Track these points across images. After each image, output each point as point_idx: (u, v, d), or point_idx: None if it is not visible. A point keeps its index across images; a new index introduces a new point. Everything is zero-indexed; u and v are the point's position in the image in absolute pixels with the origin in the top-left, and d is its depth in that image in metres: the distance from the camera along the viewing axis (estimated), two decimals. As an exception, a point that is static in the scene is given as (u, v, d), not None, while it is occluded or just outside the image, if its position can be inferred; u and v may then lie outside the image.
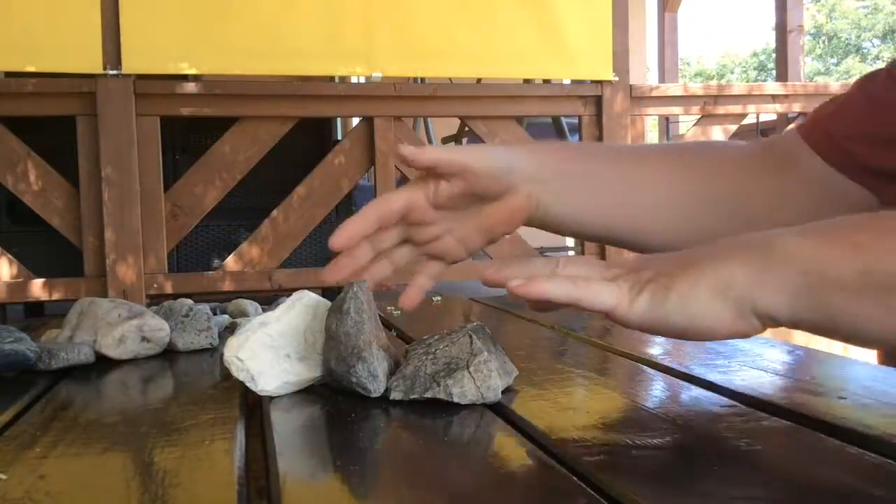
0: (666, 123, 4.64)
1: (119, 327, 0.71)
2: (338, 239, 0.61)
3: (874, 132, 0.70)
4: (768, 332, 0.49)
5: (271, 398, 0.56)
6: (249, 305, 0.93)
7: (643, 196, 0.71)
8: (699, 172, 0.73)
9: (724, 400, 0.53)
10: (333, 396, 0.56)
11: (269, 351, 0.57)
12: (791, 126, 0.79)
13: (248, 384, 0.56)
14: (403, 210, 0.63)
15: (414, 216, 0.65)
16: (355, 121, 2.89)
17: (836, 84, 3.61)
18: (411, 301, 0.67)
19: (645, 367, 0.64)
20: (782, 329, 0.47)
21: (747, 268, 0.45)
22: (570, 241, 4.19)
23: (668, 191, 0.71)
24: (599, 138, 2.87)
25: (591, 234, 0.73)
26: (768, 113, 3.48)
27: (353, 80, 3.54)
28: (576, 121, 2.97)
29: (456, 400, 0.51)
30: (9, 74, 2.60)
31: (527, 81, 3.16)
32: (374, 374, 0.53)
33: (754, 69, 25.23)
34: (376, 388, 0.53)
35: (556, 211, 0.68)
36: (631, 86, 2.90)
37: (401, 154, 0.61)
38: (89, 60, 2.42)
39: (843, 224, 0.45)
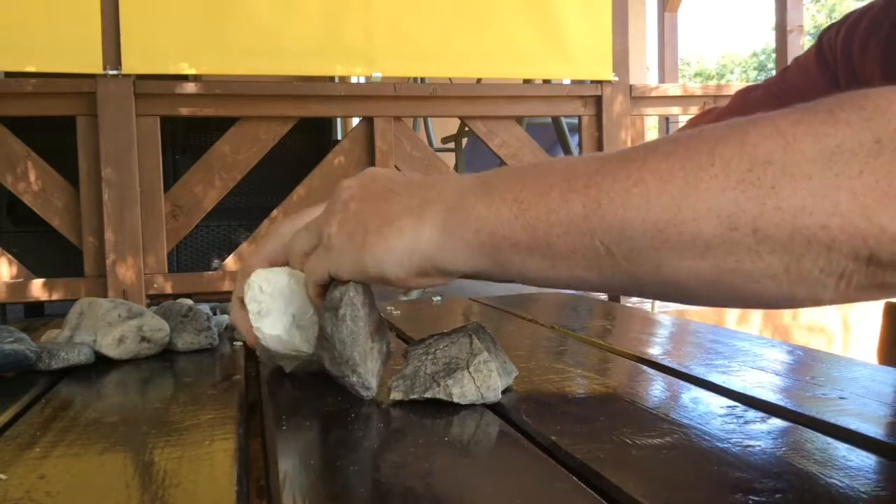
0: (666, 123, 4.64)
1: (119, 327, 0.71)
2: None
3: None
4: (768, 332, 0.49)
5: (270, 400, 0.56)
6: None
7: None
8: None
9: (724, 400, 0.53)
10: (333, 396, 0.56)
11: (282, 300, 0.56)
12: (680, 110, 0.82)
13: (251, 317, 0.56)
14: None
15: None
16: (355, 121, 2.90)
17: (835, 84, 3.60)
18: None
19: (645, 367, 0.64)
20: (782, 329, 0.47)
21: (431, 230, 0.47)
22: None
23: None
24: (599, 138, 2.87)
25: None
26: (768, 113, 3.47)
27: (353, 80, 3.55)
28: (576, 121, 2.97)
29: (456, 400, 0.51)
30: (9, 74, 2.60)
31: (527, 81, 3.17)
32: (367, 385, 0.54)
33: (754, 69, 25.23)
34: (368, 395, 0.54)
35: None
36: (631, 86, 2.90)
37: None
38: (89, 60, 2.42)
39: (512, 177, 0.46)
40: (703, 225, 0.39)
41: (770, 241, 0.37)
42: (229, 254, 2.65)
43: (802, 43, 3.72)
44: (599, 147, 2.88)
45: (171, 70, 2.54)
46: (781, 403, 0.51)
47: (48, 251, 2.65)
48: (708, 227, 0.38)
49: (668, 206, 0.39)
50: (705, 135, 0.40)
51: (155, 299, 2.47)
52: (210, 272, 2.64)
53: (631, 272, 0.42)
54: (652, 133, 5.10)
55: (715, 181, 0.38)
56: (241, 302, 0.59)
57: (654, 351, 0.70)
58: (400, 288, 0.51)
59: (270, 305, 0.56)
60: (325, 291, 0.54)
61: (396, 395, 0.53)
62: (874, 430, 0.45)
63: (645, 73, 7.14)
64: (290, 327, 0.57)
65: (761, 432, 0.46)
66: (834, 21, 0.79)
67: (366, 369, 0.53)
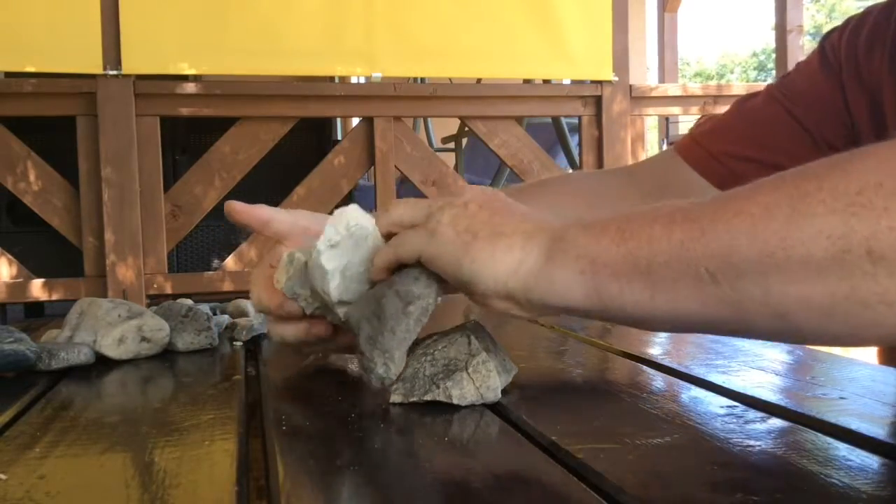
0: (666, 123, 4.64)
1: (119, 327, 0.71)
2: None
3: (760, 159, 0.72)
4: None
5: (270, 400, 0.56)
6: (249, 305, 0.93)
7: None
8: (578, 201, 0.75)
9: (724, 400, 0.53)
10: (334, 396, 0.56)
11: (353, 244, 0.55)
12: (667, 148, 0.82)
13: (322, 240, 0.54)
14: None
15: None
16: (355, 121, 2.89)
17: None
18: None
19: (645, 367, 0.64)
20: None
21: (536, 257, 0.47)
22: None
23: None
24: (599, 138, 2.87)
25: None
26: (768, 113, 3.47)
27: (353, 80, 3.54)
28: (576, 121, 2.97)
29: (456, 402, 0.51)
30: (9, 74, 2.60)
31: (527, 81, 3.16)
32: (385, 380, 0.52)
33: (754, 69, 25.21)
34: (377, 385, 0.53)
35: None
36: (631, 86, 2.90)
37: (228, 209, 0.63)
38: (89, 60, 2.42)
39: (617, 215, 0.47)
40: (814, 248, 0.37)
41: (886, 262, 0.36)
42: (229, 254, 2.65)
43: (802, 43, 3.72)
44: (599, 147, 2.88)
45: (171, 70, 2.54)
46: (781, 403, 0.51)
47: (48, 251, 2.65)
48: (819, 249, 0.37)
49: (776, 231, 0.38)
50: (808, 169, 0.40)
51: (155, 299, 2.47)
52: (210, 272, 2.63)
53: (736, 302, 0.40)
54: (652, 133, 5.10)
55: (823, 206, 0.37)
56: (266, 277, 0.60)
57: (654, 351, 0.70)
58: (476, 303, 0.50)
59: (344, 242, 0.54)
60: (394, 268, 0.53)
61: (396, 398, 0.53)
62: (874, 430, 0.45)
63: (645, 73, 7.13)
64: (343, 270, 0.55)
65: (761, 432, 0.46)
66: (835, 25, 0.79)
67: (396, 368, 0.52)
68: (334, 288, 0.54)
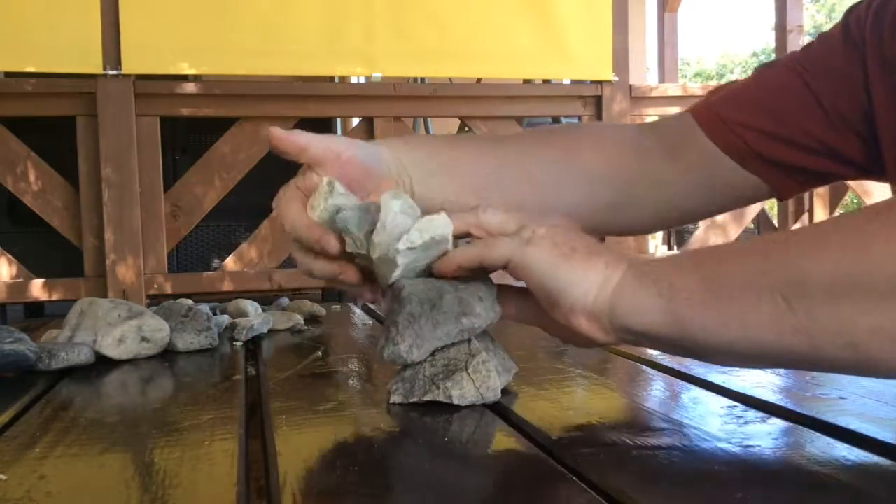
0: (666, 123, 4.64)
1: (119, 327, 0.71)
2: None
3: (772, 132, 0.71)
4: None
5: (270, 400, 0.56)
6: (249, 305, 0.93)
7: (511, 177, 0.70)
8: (583, 154, 0.73)
9: (724, 400, 0.53)
10: (334, 396, 0.56)
11: (412, 219, 0.54)
12: (681, 111, 0.79)
13: (392, 270, 0.53)
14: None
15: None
16: (355, 121, 2.89)
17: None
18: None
19: (645, 367, 0.64)
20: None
21: (622, 278, 0.47)
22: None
23: (541, 173, 0.71)
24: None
25: None
26: (768, 113, 3.47)
27: (353, 80, 3.54)
28: (576, 121, 2.97)
29: (456, 402, 0.51)
30: (9, 74, 2.59)
31: (527, 81, 3.16)
32: (395, 358, 0.52)
33: (754, 69, 25.15)
34: (384, 358, 0.52)
35: (424, 199, 0.66)
36: (631, 86, 2.90)
37: (270, 136, 0.60)
38: (89, 60, 2.42)
39: (689, 251, 0.49)
40: (883, 276, 0.37)
41: None
42: (229, 254, 2.65)
43: (802, 43, 3.71)
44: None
45: (171, 70, 2.54)
46: (781, 403, 0.51)
47: (48, 251, 2.65)
48: (887, 278, 0.37)
49: (853, 258, 0.38)
50: (880, 204, 0.40)
51: (155, 299, 2.47)
52: (210, 272, 2.63)
53: (811, 331, 0.40)
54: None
55: (889, 242, 0.37)
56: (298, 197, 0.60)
57: (654, 351, 0.70)
58: (559, 319, 0.49)
59: (414, 212, 0.53)
60: (471, 271, 0.52)
61: (396, 399, 0.53)
62: (874, 430, 0.45)
63: (645, 73, 7.13)
64: (408, 264, 0.53)
65: (761, 432, 0.46)
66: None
67: (416, 357, 0.52)
68: (394, 276, 0.54)
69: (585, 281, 0.47)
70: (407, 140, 0.68)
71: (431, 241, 0.52)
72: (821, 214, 3.42)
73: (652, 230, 1.00)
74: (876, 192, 3.44)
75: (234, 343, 0.80)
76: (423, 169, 0.66)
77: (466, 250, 0.51)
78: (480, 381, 0.52)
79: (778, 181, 0.72)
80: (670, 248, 4.28)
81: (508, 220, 0.53)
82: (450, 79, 3.17)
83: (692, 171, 0.73)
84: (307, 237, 0.58)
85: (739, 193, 0.74)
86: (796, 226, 3.48)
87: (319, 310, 0.99)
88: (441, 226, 0.53)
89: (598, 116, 2.88)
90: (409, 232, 0.51)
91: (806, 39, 3.68)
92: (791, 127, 0.71)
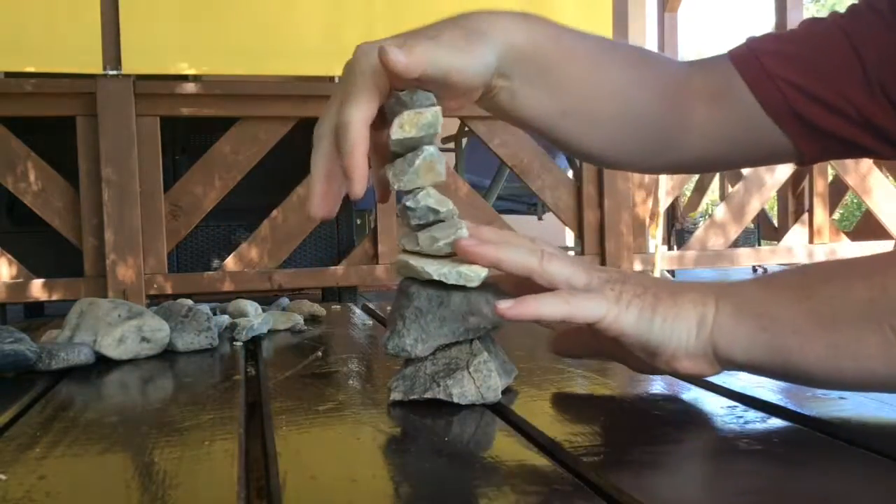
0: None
1: (119, 327, 0.71)
2: (321, 206, 0.54)
3: (815, 94, 0.69)
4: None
5: (270, 400, 0.56)
6: (249, 305, 0.93)
7: (592, 106, 0.69)
8: (645, 94, 0.71)
9: (724, 400, 0.53)
10: (334, 396, 0.56)
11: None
12: (719, 54, 0.75)
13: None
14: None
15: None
16: (355, 121, 2.89)
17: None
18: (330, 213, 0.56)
19: (645, 368, 0.64)
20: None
21: (718, 314, 0.47)
22: (569, 241, 4.18)
23: (616, 106, 0.69)
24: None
25: (538, 129, 0.70)
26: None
27: (353, 80, 3.52)
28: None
29: (456, 400, 0.51)
30: (9, 74, 2.60)
31: (527, 81, 3.16)
32: (397, 350, 0.52)
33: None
34: (390, 354, 0.53)
35: (509, 106, 0.66)
36: (631, 86, 2.90)
37: (386, 59, 0.50)
38: (89, 60, 2.42)
39: (790, 274, 0.47)
40: None
41: None
42: (229, 254, 2.65)
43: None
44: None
45: (171, 70, 2.54)
46: (781, 403, 0.51)
47: (48, 251, 2.65)
48: None
49: None
50: None
51: (155, 299, 2.47)
52: (210, 272, 2.63)
53: None
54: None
55: None
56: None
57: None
58: (661, 367, 0.49)
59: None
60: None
61: (396, 396, 0.53)
62: (874, 431, 0.45)
63: (645, 72, 7.12)
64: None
65: (761, 432, 0.46)
66: None
67: (420, 352, 0.52)
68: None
69: (681, 328, 0.47)
70: (508, 44, 0.62)
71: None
72: (821, 214, 3.42)
73: (668, 172, 0.97)
74: (876, 190, 3.44)
75: (234, 343, 0.80)
76: (518, 75, 0.64)
77: (553, 305, 0.48)
78: (481, 380, 0.52)
79: (808, 145, 0.70)
80: (670, 248, 4.28)
81: (576, 273, 0.50)
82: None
83: (725, 120, 0.71)
84: (355, 139, 0.51)
85: (764, 151, 0.72)
86: (796, 226, 3.49)
87: (319, 310, 0.99)
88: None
89: (598, 116, 2.87)
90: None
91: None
92: (834, 92, 0.68)
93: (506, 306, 0.48)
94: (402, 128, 0.51)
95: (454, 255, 0.53)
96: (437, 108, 0.51)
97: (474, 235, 0.52)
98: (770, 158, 0.75)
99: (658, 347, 0.48)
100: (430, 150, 0.52)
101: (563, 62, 0.68)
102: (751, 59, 0.71)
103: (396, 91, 0.52)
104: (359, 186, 0.50)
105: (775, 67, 0.70)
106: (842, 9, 0.73)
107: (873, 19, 0.69)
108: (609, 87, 0.69)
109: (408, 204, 0.52)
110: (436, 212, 0.52)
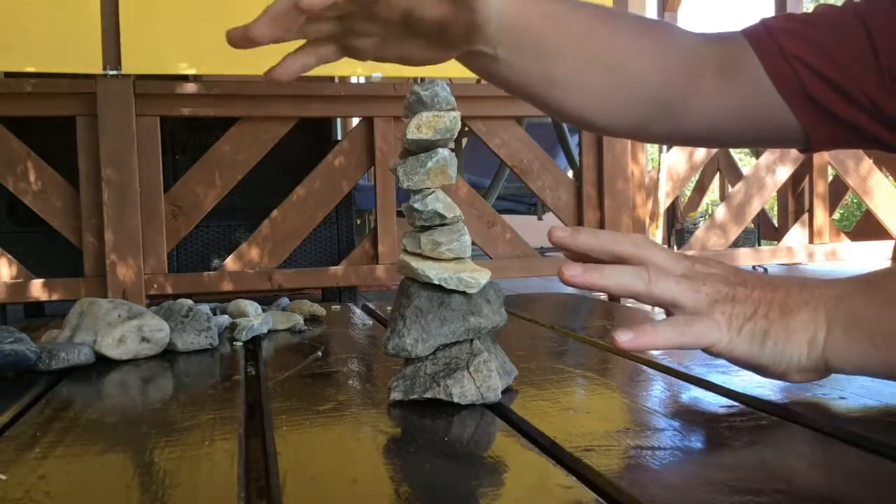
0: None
1: (119, 328, 0.71)
2: (260, 25, 0.59)
3: (831, 78, 0.68)
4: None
5: (270, 400, 0.56)
6: (249, 306, 0.93)
7: (583, 76, 0.68)
8: (646, 63, 0.70)
9: (724, 400, 0.53)
10: (334, 396, 0.56)
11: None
12: (734, 31, 0.74)
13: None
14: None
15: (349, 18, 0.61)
16: (355, 121, 2.89)
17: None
18: (285, 72, 0.62)
19: (645, 367, 0.64)
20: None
21: (830, 330, 0.48)
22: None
23: (611, 76, 0.69)
24: (599, 138, 2.87)
25: (519, 94, 0.70)
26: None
27: (353, 80, 3.54)
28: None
29: (456, 400, 0.51)
30: (9, 74, 2.60)
31: (527, 81, 3.15)
32: (397, 350, 0.52)
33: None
34: (390, 354, 0.53)
35: (490, 70, 0.66)
36: (631, 86, 2.90)
37: None
38: (89, 60, 2.42)
39: (881, 282, 0.48)
40: None
41: None
42: (229, 254, 2.65)
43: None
44: (599, 147, 2.88)
45: (171, 70, 2.54)
46: (781, 403, 0.51)
47: (48, 251, 2.65)
48: None
49: None
50: None
51: (155, 299, 2.47)
52: (210, 272, 2.63)
53: None
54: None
55: None
56: None
57: (654, 351, 0.70)
58: (771, 378, 0.51)
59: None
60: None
61: (396, 396, 0.53)
62: (874, 431, 0.45)
63: (645, 73, 7.12)
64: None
65: (761, 432, 0.46)
66: None
67: (420, 352, 0.52)
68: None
69: (792, 350, 0.48)
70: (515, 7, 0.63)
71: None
72: (821, 215, 3.42)
73: (664, 142, 0.97)
74: (878, 191, 3.44)
75: (234, 343, 0.80)
76: (519, 45, 0.64)
77: (669, 336, 0.49)
78: (481, 380, 0.52)
79: (818, 131, 0.70)
80: (671, 248, 4.28)
81: (682, 293, 0.50)
82: (450, 79, 3.17)
83: (733, 93, 0.70)
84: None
85: (769, 130, 0.72)
86: (796, 226, 3.49)
87: (319, 310, 0.99)
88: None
89: (598, 116, 2.87)
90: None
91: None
92: (848, 77, 0.68)
93: (626, 339, 0.48)
94: (419, 129, 0.51)
95: (455, 259, 0.53)
96: (457, 114, 0.52)
97: (572, 240, 0.51)
98: (773, 139, 0.74)
99: (769, 368, 0.49)
100: (443, 153, 0.52)
101: (555, 34, 0.67)
102: (765, 36, 0.70)
103: (416, 87, 0.52)
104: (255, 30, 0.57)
105: (791, 46, 0.68)
106: (841, 7, 0.73)
107: (888, 6, 0.68)
108: (604, 57, 0.68)
109: (415, 205, 0.52)
110: (442, 217, 0.52)
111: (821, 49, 0.68)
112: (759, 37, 0.70)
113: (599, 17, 0.70)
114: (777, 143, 0.75)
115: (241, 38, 0.57)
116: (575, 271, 0.49)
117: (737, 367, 0.62)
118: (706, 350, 0.50)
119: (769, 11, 4.50)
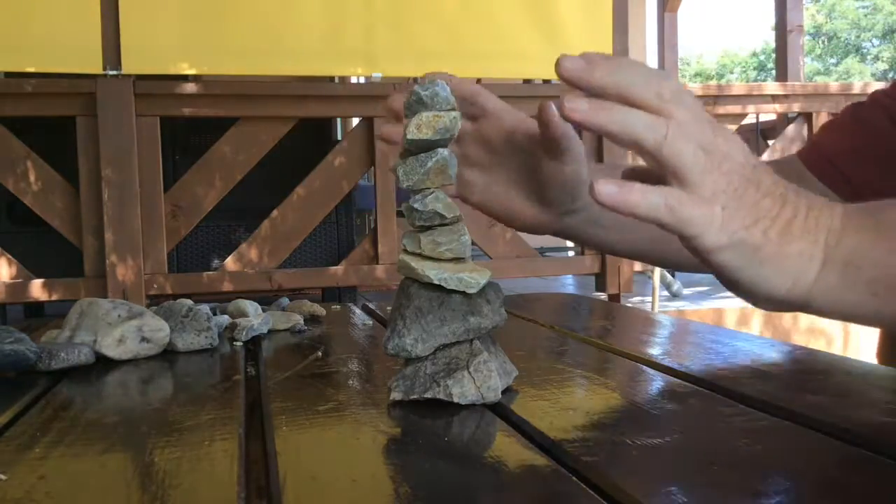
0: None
1: (119, 328, 0.71)
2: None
3: (863, 145, 0.71)
4: (768, 333, 0.49)
5: (270, 400, 0.56)
6: (249, 305, 0.93)
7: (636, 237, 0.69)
8: None
9: (725, 400, 0.53)
10: (334, 396, 0.56)
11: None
12: (793, 152, 0.80)
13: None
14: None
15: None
16: (355, 121, 2.89)
17: (835, 84, 3.61)
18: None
19: (645, 367, 0.64)
20: (782, 331, 0.48)
21: (826, 272, 0.44)
22: (569, 242, 4.18)
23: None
24: (599, 137, 2.87)
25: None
26: (768, 113, 3.48)
27: (353, 80, 3.55)
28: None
29: (456, 400, 0.51)
30: (9, 74, 2.60)
31: (527, 81, 3.16)
32: (396, 350, 0.52)
33: (754, 69, 25.21)
34: (390, 354, 0.53)
35: (579, 235, 0.69)
36: (631, 86, 2.90)
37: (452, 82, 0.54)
38: (89, 60, 2.42)
39: (882, 214, 0.45)
40: None
41: None
42: (229, 254, 2.65)
43: (802, 43, 3.72)
44: (599, 147, 2.88)
45: (171, 70, 2.55)
46: (781, 403, 0.51)
47: (48, 251, 2.65)
48: None
49: None
50: None
51: (155, 299, 2.47)
52: (210, 272, 2.63)
53: None
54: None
55: None
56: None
57: (654, 351, 0.70)
58: (742, 298, 0.46)
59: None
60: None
61: (396, 396, 0.53)
62: (874, 431, 0.45)
63: (645, 73, 7.12)
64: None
65: (761, 432, 0.46)
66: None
67: (419, 352, 0.52)
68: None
69: (778, 281, 0.44)
70: None
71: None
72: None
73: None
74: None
75: (234, 343, 0.80)
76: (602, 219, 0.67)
77: (654, 207, 0.42)
78: (481, 380, 0.52)
79: None
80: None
81: (695, 164, 0.43)
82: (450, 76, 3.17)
83: None
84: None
85: None
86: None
87: (319, 310, 0.99)
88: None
89: (598, 116, 2.87)
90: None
91: (806, 39, 3.68)
92: (879, 161, 0.70)
93: (607, 191, 0.41)
94: (419, 129, 0.51)
95: (455, 259, 0.53)
96: (456, 113, 0.52)
97: (588, 76, 0.43)
98: None
99: (748, 289, 0.45)
100: (443, 153, 0.52)
101: None
102: (810, 148, 0.74)
103: (416, 87, 0.52)
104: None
105: (828, 146, 0.72)
106: (840, 8, 0.75)
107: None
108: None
109: (415, 205, 0.52)
110: (442, 217, 0.52)
111: (853, 136, 0.73)
112: (807, 151, 0.74)
113: None
114: None
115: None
116: (579, 105, 0.42)
117: (737, 367, 0.62)
118: (684, 240, 0.44)
119: (769, 11, 4.49)
